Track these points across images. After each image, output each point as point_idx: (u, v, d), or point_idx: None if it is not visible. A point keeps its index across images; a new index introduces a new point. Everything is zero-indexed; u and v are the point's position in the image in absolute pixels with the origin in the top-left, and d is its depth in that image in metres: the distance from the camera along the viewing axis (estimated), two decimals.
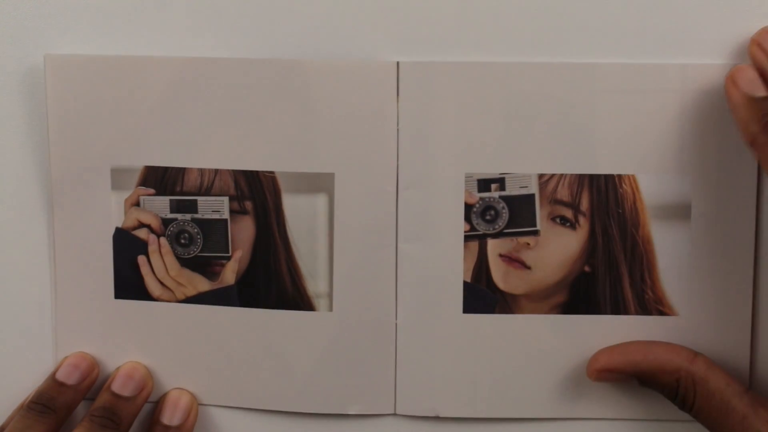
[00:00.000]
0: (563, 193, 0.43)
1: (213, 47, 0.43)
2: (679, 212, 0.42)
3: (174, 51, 0.44)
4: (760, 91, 0.38)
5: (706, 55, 0.42)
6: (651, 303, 0.43)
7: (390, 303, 0.44)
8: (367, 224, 0.43)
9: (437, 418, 0.45)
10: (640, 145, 0.42)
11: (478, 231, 0.43)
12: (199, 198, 0.44)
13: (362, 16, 0.43)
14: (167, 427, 0.44)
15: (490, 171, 0.43)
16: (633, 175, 0.42)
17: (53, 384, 0.43)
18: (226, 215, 0.44)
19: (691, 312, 0.43)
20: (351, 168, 0.43)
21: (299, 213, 0.44)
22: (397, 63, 0.42)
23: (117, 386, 0.44)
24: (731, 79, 0.39)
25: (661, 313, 0.43)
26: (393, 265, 0.44)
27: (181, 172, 0.44)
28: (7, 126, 0.45)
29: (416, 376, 0.44)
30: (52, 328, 0.46)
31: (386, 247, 0.44)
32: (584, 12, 0.42)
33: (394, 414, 0.45)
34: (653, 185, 0.42)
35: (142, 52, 0.44)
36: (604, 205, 0.42)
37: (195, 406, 0.45)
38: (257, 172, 0.44)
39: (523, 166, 0.42)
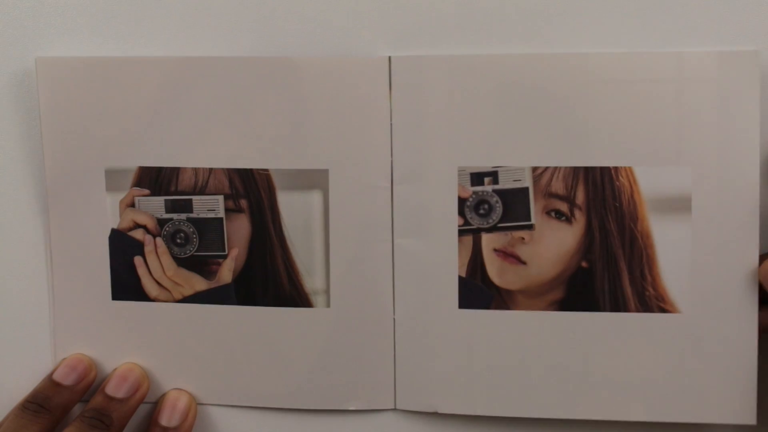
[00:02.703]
0: (558, 187, 0.42)
1: (204, 46, 0.43)
2: (679, 205, 0.41)
3: (165, 51, 0.43)
4: None
5: (702, 42, 0.41)
6: (652, 300, 0.42)
7: (387, 298, 0.44)
8: (362, 220, 0.43)
9: (436, 414, 0.45)
10: (636, 137, 0.41)
11: (472, 225, 0.43)
12: (194, 197, 0.44)
13: (353, 13, 0.42)
14: (165, 428, 0.44)
15: (483, 164, 0.42)
16: (630, 168, 0.41)
17: (49, 384, 0.44)
18: (221, 214, 0.44)
19: (694, 309, 0.42)
20: (345, 164, 0.43)
21: (294, 210, 0.44)
22: (389, 58, 0.42)
23: (110, 388, 0.44)
24: None
25: (663, 310, 0.42)
26: (390, 261, 0.43)
27: (176, 171, 0.44)
28: (1, 129, 0.45)
29: (415, 372, 0.44)
30: (51, 330, 0.46)
31: (382, 242, 0.43)
32: (576, 1, 0.41)
33: (394, 409, 0.45)
34: (651, 178, 0.41)
35: (133, 53, 0.44)
36: (600, 199, 0.42)
37: (194, 406, 0.45)
38: (251, 170, 0.43)
39: (517, 159, 0.42)
